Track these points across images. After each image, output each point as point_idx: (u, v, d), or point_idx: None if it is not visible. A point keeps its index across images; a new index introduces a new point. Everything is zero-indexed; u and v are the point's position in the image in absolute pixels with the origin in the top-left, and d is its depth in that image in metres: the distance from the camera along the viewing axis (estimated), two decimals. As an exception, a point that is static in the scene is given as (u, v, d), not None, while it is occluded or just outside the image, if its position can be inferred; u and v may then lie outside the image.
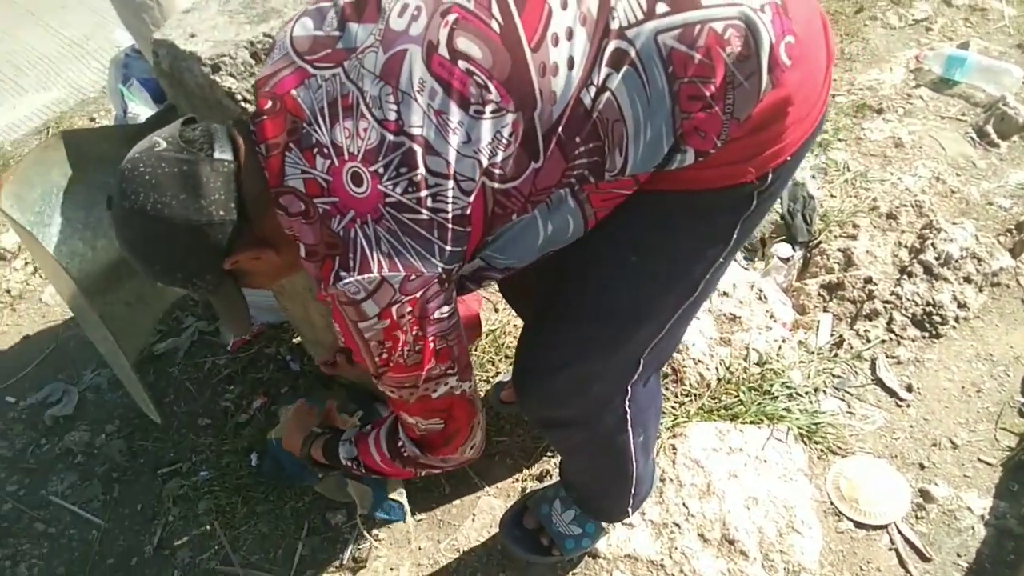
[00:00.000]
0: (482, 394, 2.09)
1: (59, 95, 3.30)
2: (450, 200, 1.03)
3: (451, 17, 1.00)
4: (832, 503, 1.81)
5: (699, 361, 2.02)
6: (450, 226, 1.04)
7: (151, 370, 2.30)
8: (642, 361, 1.33)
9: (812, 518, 1.78)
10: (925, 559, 1.72)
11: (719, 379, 2.02)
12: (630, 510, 1.67)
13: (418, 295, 1.07)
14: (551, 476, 1.92)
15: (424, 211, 1.02)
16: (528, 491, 1.91)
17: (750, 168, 1.10)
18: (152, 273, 1.13)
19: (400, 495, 1.84)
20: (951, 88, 2.76)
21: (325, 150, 1.03)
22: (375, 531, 1.90)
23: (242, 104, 1.37)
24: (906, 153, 2.57)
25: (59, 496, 2.08)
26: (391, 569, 1.84)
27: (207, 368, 2.29)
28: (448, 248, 1.06)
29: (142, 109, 1.78)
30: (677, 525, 1.78)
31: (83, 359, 2.39)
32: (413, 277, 1.05)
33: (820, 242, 2.33)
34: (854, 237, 2.29)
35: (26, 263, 2.66)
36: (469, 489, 1.94)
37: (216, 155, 1.07)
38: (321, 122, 1.04)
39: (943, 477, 1.83)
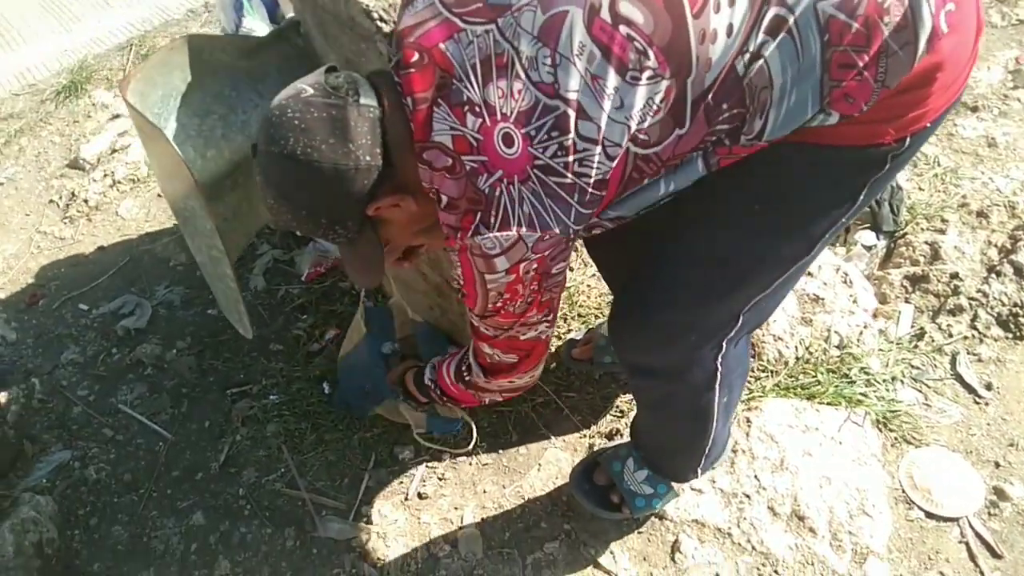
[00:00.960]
0: (553, 349, 2.09)
1: (143, 14, 3.31)
2: (595, 165, 1.04)
3: None
4: (904, 491, 1.80)
5: (779, 338, 2.00)
6: (590, 190, 1.06)
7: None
8: (742, 317, 1.32)
9: (883, 503, 1.77)
10: (996, 556, 1.70)
11: (797, 358, 2.00)
12: (699, 471, 1.66)
13: (546, 254, 1.10)
14: (620, 435, 1.91)
15: (569, 175, 1.04)
16: (595, 448, 1.91)
17: (890, 129, 1.08)
18: (297, 217, 1.13)
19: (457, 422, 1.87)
20: (1050, 92, 2.69)
21: (477, 108, 1.03)
22: (442, 470, 1.91)
23: (377, 23, 1.36)
24: (999, 154, 2.52)
25: (128, 405, 2.11)
26: (455, 508, 1.85)
27: (280, 296, 2.31)
28: (584, 211, 1.08)
29: (258, 24, 1.77)
30: (747, 496, 1.78)
31: (157, 274, 2.41)
32: (547, 237, 1.07)
33: (905, 233, 2.30)
34: (942, 232, 2.25)
35: (105, 175, 2.68)
36: (536, 439, 1.95)
37: (362, 101, 1.07)
38: (473, 79, 1.03)
39: (1019, 477, 1.81)
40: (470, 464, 1.92)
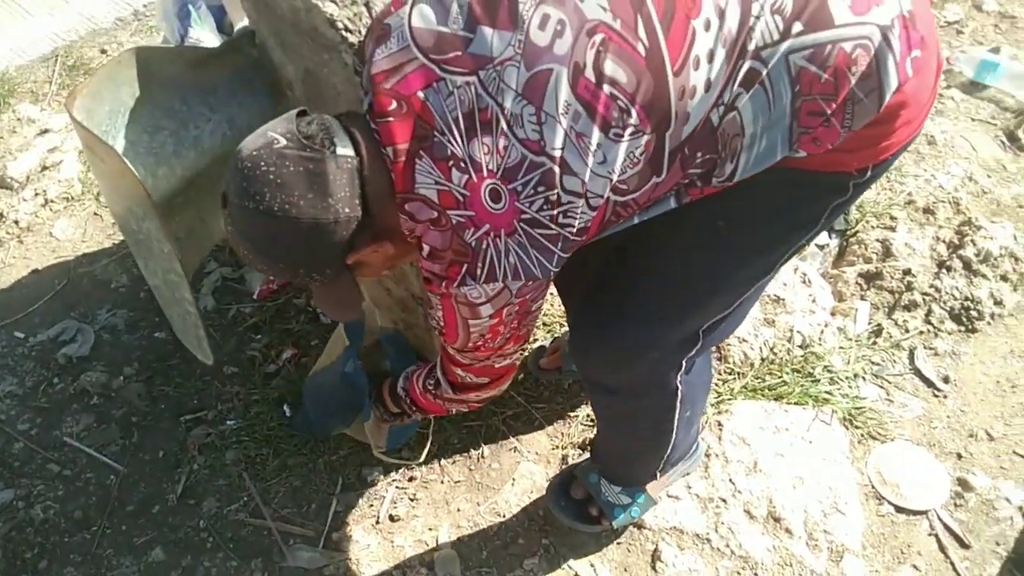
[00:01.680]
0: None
1: (69, 23, 3.15)
2: (578, 215, 1.06)
3: (598, 38, 0.99)
4: (874, 487, 1.83)
5: (743, 340, 2.01)
6: (572, 237, 1.08)
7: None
8: (702, 337, 1.35)
9: (855, 500, 1.79)
10: (964, 546, 1.74)
11: (763, 359, 2.01)
12: (658, 473, 1.67)
13: (527, 296, 1.12)
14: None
15: (554, 226, 1.05)
16: (569, 459, 1.89)
17: (854, 159, 1.12)
18: (273, 269, 1.10)
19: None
20: (981, 92, 2.79)
21: (462, 164, 1.02)
22: (413, 490, 1.86)
23: (342, 32, 1.30)
24: (939, 151, 2.60)
25: (74, 438, 2.00)
26: (429, 529, 1.80)
27: (231, 315, 2.22)
28: (564, 255, 1.10)
29: (206, 35, 1.69)
30: (723, 500, 1.78)
31: (97, 298, 2.29)
32: (530, 283, 1.09)
33: (856, 231, 2.34)
34: (892, 229, 2.31)
35: (36, 194, 2.53)
36: (508, 453, 1.91)
37: (339, 151, 1.04)
38: (456, 133, 1.02)
39: (981, 467, 1.86)
40: (442, 482, 1.87)
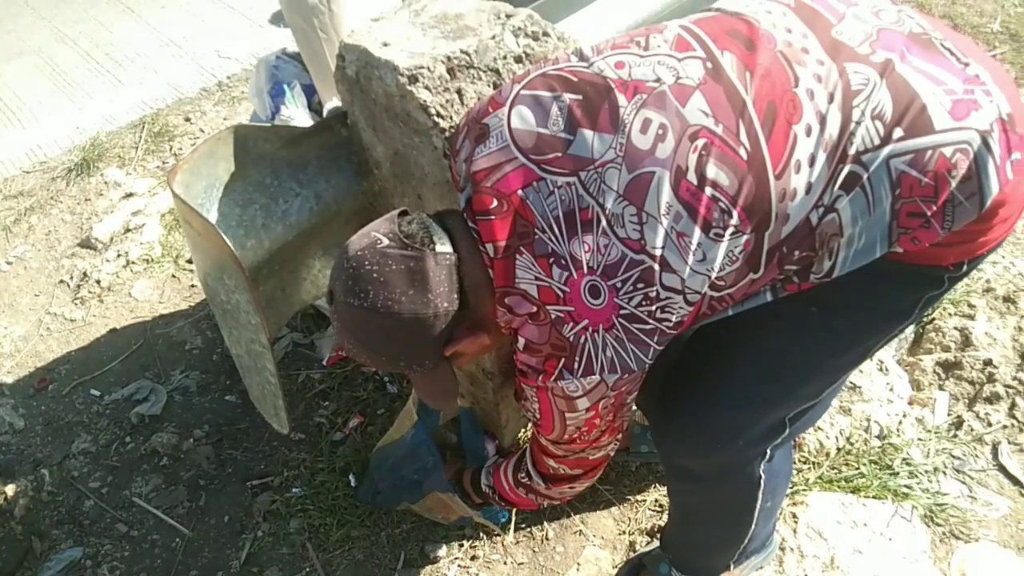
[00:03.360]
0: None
1: (156, 92, 3.31)
2: (676, 310, 1.07)
3: (700, 142, 1.01)
4: (958, 591, 1.74)
5: (819, 428, 1.96)
6: (669, 331, 1.09)
7: (238, 377, 2.25)
8: (789, 424, 1.33)
9: (938, 604, 1.71)
10: (1060, 661, 1.63)
11: (839, 449, 1.95)
12: (732, 565, 1.62)
13: (623, 389, 1.13)
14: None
15: (652, 321, 1.07)
16: (636, 545, 1.84)
17: (951, 254, 1.12)
18: (376, 360, 1.16)
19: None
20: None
21: (563, 261, 1.05)
22: (475, 569, 1.83)
23: (434, 118, 1.34)
24: (1017, 238, 2.53)
25: (143, 498, 2.02)
26: (491, 611, 1.77)
27: (300, 381, 2.24)
28: (659, 348, 1.11)
29: (297, 113, 1.76)
30: (798, 597, 1.71)
31: (171, 359, 2.34)
32: (626, 376, 1.10)
33: (933, 319, 2.28)
34: (971, 317, 2.24)
35: (118, 255, 2.62)
36: (573, 536, 1.87)
37: (438, 249, 1.08)
38: (556, 231, 1.05)
39: (1074, 575, 1.75)
40: (505, 563, 1.84)
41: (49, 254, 2.72)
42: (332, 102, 1.74)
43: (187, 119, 3.25)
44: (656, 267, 1.02)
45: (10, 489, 1.99)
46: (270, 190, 1.60)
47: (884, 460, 1.93)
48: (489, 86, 1.39)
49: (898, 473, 1.91)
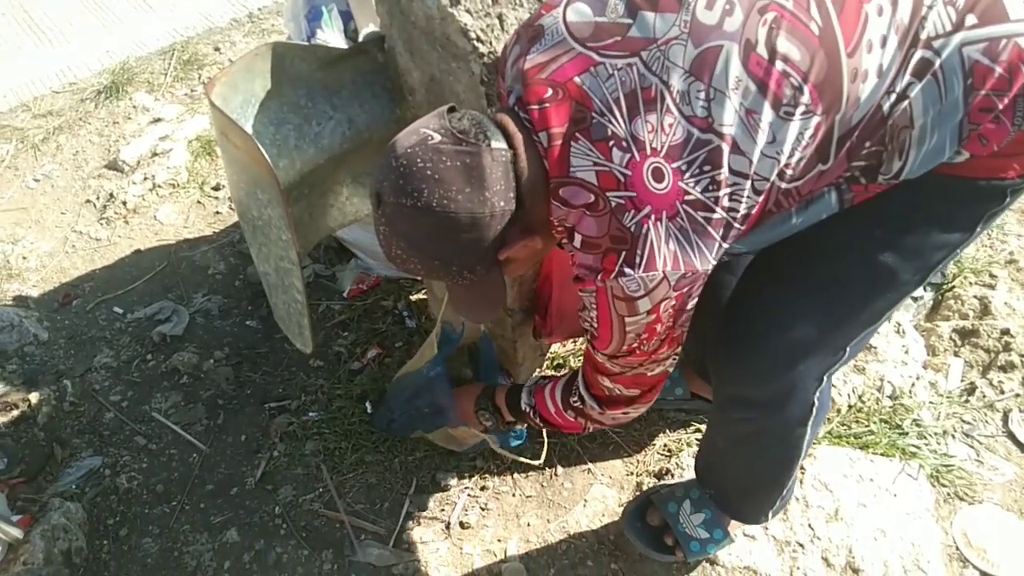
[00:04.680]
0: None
1: (187, 20, 3.30)
2: (744, 199, 1.03)
3: (770, 16, 0.99)
4: (958, 548, 1.76)
5: (832, 385, 1.97)
6: (736, 225, 1.04)
7: (262, 303, 2.28)
8: (848, 349, 1.30)
9: (937, 560, 1.73)
10: (1054, 621, 1.66)
11: (850, 406, 1.97)
12: (771, 513, 1.61)
13: (685, 291, 1.07)
14: (670, 475, 1.88)
15: (719, 210, 1.02)
16: (643, 486, 1.87)
17: (1015, 164, 1.09)
18: (427, 266, 1.11)
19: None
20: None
21: (624, 143, 1.00)
22: (484, 499, 1.86)
23: (474, 42, 1.34)
24: (1044, 212, 2.52)
25: (162, 414, 2.06)
26: (498, 540, 1.80)
27: (321, 311, 2.27)
28: (724, 245, 1.06)
29: (334, 37, 1.75)
30: (801, 545, 1.74)
31: (194, 282, 2.37)
32: (689, 274, 1.04)
33: (953, 286, 2.28)
34: (991, 287, 2.24)
35: (145, 178, 2.64)
36: (582, 474, 1.91)
37: (493, 144, 1.04)
38: (617, 113, 1.01)
39: (1075, 542, 1.78)
40: (514, 495, 1.88)
41: (76, 174, 2.75)
42: (368, 28, 1.74)
43: (216, 49, 3.24)
44: (725, 147, 0.99)
45: (34, 397, 2.04)
46: (304, 111, 1.60)
47: (895, 420, 1.95)
48: (530, 12, 1.38)
49: (907, 433, 1.93)
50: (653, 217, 1.00)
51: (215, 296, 2.33)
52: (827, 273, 1.23)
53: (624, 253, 1.02)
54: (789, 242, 1.21)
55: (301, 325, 1.59)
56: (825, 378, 1.33)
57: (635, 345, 1.15)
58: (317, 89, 1.62)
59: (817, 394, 1.34)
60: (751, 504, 1.62)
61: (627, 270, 1.03)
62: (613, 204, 1.02)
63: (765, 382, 1.33)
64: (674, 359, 1.25)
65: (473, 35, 1.34)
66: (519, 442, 1.85)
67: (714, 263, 1.06)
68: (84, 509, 1.86)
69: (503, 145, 1.05)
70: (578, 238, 1.07)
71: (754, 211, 1.05)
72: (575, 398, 1.39)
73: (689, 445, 1.93)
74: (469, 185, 1.02)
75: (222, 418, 2.05)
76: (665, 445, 1.95)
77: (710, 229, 1.03)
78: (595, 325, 1.14)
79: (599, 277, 1.06)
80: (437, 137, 1.04)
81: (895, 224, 1.17)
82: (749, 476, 1.57)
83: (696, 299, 1.13)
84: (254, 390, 2.10)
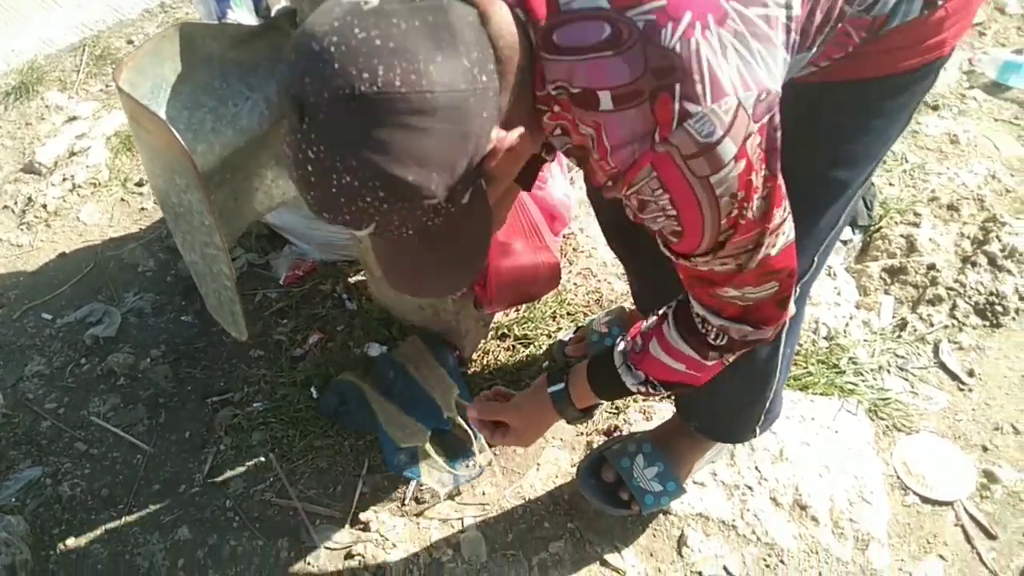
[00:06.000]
0: (544, 348, 2.07)
1: (96, 14, 3.17)
2: None
3: None
4: (899, 477, 1.83)
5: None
6: (792, 30, 0.85)
7: (196, 297, 2.22)
8: (815, 260, 1.30)
9: (880, 490, 1.79)
10: (991, 536, 1.74)
11: (788, 349, 2.02)
12: (758, 428, 1.61)
13: (766, 120, 0.84)
14: (619, 431, 1.90)
15: (771, 3, 0.82)
16: (593, 445, 1.89)
17: (952, 41, 1.06)
18: (390, 203, 0.79)
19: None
20: (1004, 92, 2.80)
21: None
22: (439, 475, 1.86)
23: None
24: (961, 150, 2.60)
25: (101, 418, 2.01)
26: (454, 512, 1.81)
27: (258, 300, 2.23)
28: (788, 59, 0.86)
29: (244, 16, 1.71)
30: (749, 488, 1.78)
31: (124, 281, 2.31)
32: (763, 96, 0.82)
33: (880, 227, 2.35)
34: (916, 225, 2.31)
35: (64, 179, 2.55)
36: (533, 439, 1.92)
37: (454, 1, 0.78)
38: None
39: (1006, 460, 1.85)
40: (467, 466, 1.88)
41: (-10, 180, 2.64)
42: (280, 3, 1.70)
43: (129, 42, 3.13)
44: None
45: (-37, 412, 1.97)
46: (219, 93, 1.57)
47: (831, 359, 2.01)
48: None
49: (844, 371, 1.98)
50: (699, 25, 0.78)
51: (147, 294, 2.26)
52: (793, 181, 1.20)
53: (678, 87, 0.78)
54: None
55: (233, 312, 1.56)
56: (799, 287, 1.26)
57: (735, 214, 0.88)
58: (231, 69, 1.58)
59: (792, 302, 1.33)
60: (738, 424, 1.61)
61: (690, 107, 0.79)
62: (640, 25, 0.78)
63: None
64: (790, 222, 0.98)
65: (384, 2, 1.32)
66: (447, 428, 1.86)
67: (781, 82, 0.86)
68: (26, 521, 1.80)
69: (467, 6, 0.79)
70: (605, 96, 0.81)
71: (803, 15, 0.87)
72: (713, 335, 1.07)
73: (635, 400, 1.96)
74: (440, 51, 0.75)
75: (164, 417, 2.01)
76: (612, 403, 1.97)
77: (769, 32, 0.82)
78: (674, 214, 0.88)
79: (655, 139, 0.81)
80: (376, 0, 0.75)
81: (837, 139, 1.14)
82: (731, 399, 1.54)
83: (779, 132, 0.88)
84: (195, 386, 2.06)
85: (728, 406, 1.58)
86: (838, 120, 1.15)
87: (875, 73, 1.08)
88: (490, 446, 1.84)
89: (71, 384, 2.08)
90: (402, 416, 1.83)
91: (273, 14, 1.66)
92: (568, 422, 1.40)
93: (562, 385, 1.33)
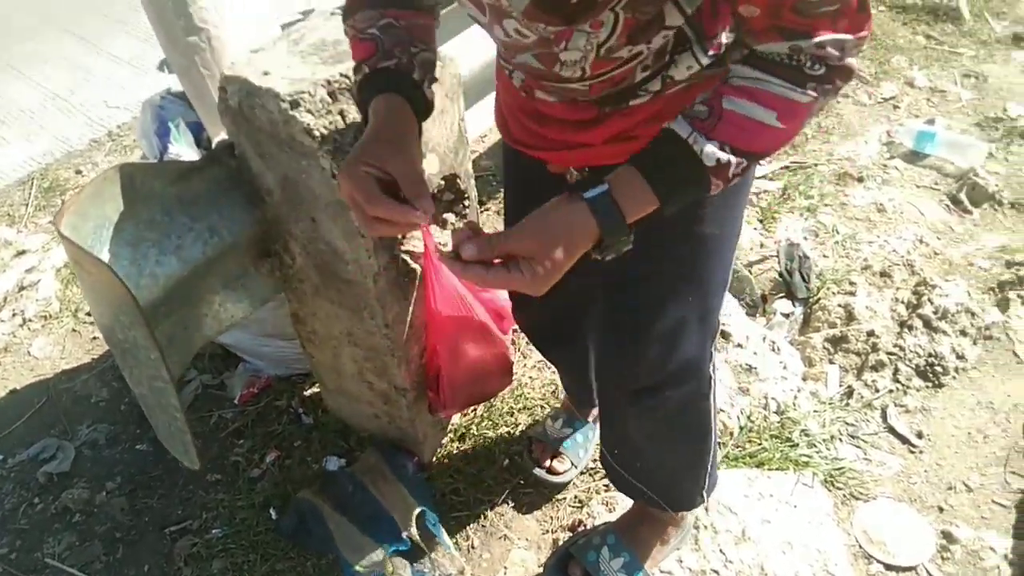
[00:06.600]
0: (502, 447, 2.08)
1: (44, 147, 3.23)
2: None
3: None
4: (861, 546, 1.85)
5: (721, 410, 2.06)
6: None
7: (151, 425, 2.20)
8: (718, 318, 1.40)
9: (844, 562, 1.81)
10: (956, 599, 1.76)
11: (741, 427, 2.06)
12: (705, 494, 1.66)
13: None
14: (584, 525, 1.90)
15: None
16: (559, 542, 1.88)
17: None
18: None
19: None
20: (922, 160, 2.96)
21: None
22: (405, 586, 1.84)
23: (319, 141, 1.38)
24: (889, 218, 2.73)
25: (56, 558, 1.96)
26: (424, 625, 1.78)
27: (213, 422, 2.22)
28: None
29: (185, 150, 1.77)
30: (716, 572, 1.78)
31: (77, 414, 2.29)
32: None
33: (819, 299, 2.43)
34: (852, 293, 2.40)
35: (14, 314, 2.55)
36: (499, 542, 1.91)
37: None
38: None
39: (962, 519, 1.89)
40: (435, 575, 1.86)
41: (-62, 321, 2.62)
42: (221, 136, 1.76)
43: (78, 172, 3.19)
44: None
45: (-90, 565, 1.90)
46: (162, 227, 1.60)
47: (784, 433, 2.05)
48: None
49: (798, 444, 2.02)
50: None
51: (101, 425, 2.24)
52: (668, 265, 1.29)
53: None
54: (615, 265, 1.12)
55: (184, 442, 1.56)
56: (712, 350, 1.42)
57: None
58: (173, 203, 1.62)
59: (711, 367, 1.44)
60: (684, 489, 1.65)
61: None
62: None
63: (666, 361, 1.38)
64: None
65: (317, 134, 1.39)
66: (405, 548, 1.83)
67: None
68: (-22, 677, 1.74)
69: None
70: None
71: None
72: (808, 63, 0.94)
73: (598, 492, 1.97)
74: None
75: (121, 551, 1.96)
76: (575, 496, 1.97)
77: None
78: None
79: None
80: None
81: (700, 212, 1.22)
82: (673, 460, 1.60)
83: None
84: (152, 516, 2.03)
85: (674, 471, 1.63)
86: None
87: None
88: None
89: (24, 525, 2.03)
90: (359, 536, 1.81)
91: (213, 146, 1.72)
92: (602, 255, 1.02)
93: (604, 187, 0.99)
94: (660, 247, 1.22)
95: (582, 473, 2.01)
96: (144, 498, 2.07)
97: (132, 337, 1.45)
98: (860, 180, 2.89)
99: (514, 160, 1.44)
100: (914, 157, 2.97)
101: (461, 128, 1.66)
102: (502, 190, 1.68)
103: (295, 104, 1.38)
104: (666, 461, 1.62)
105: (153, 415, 1.65)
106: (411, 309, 1.71)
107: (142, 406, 1.71)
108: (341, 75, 1.43)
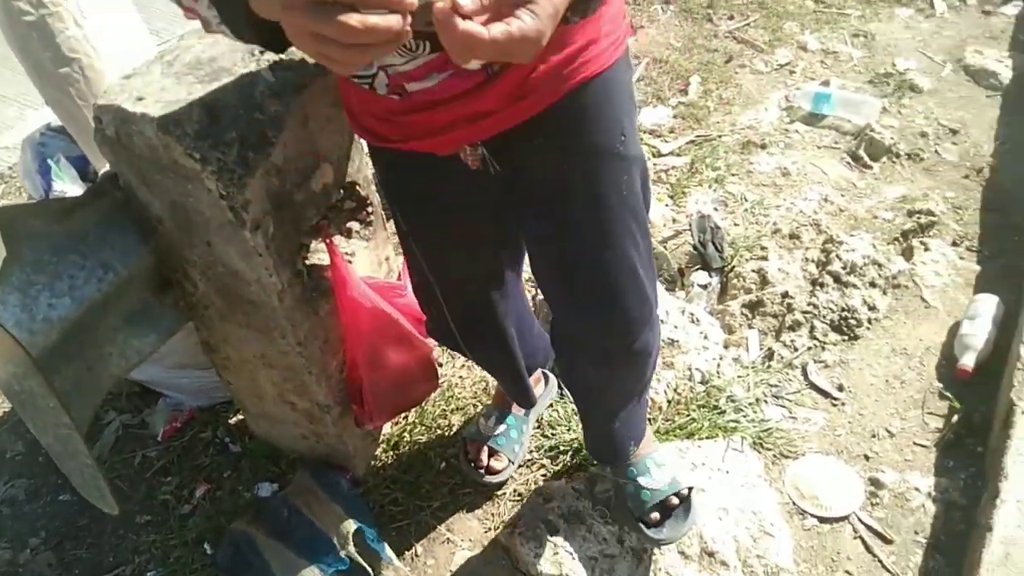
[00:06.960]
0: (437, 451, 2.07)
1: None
2: None
3: None
4: (794, 503, 1.89)
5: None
6: None
7: (73, 473, 2.13)
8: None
9: (779, 520, 1.85)
10: (888, 541, 1.81)
11: (669, 401, 2.09)
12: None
13: None
14: (523, 519, 1.90)
15: None
16: (501, 540, 1.88)
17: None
18: None
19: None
20: (821, 121, 3.04)
21: None
22: (351, 603, 1.81)
23: (201, 162, 1.34)
24: (793, 181, 2.80)
25: (-18, 625, 1.87)
26: (373, 640, 1.76)
27: (137, 462, 2.15)
28: None
29: (69, 187, 1.70)
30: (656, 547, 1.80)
31: (-8, 472, 2.19)
32: None
33: (734, 267, 2.48)
34: (764, 258, 2.45)
35: (-88, 377, 2.42)
36: (442, 546, 1.90)
37: None
38: None
39: (887, 464, 1.95)
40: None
41: None
42: (106, 167, 1.70)
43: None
44: None
45: None
46: (51, 268, 1.54)
47: (711, 402, 2.08)
48: (250, 122, 1.41)
49: (725, 411, 2.06)
50: None
51: (19, 480, 2.15)
52: (603, 224, 1.30)
53: None
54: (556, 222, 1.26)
55: (99, 487, 1.50)
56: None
57: None
58: (60, 242, 1.56)
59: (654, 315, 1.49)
60: (643, 423, 1.75)
61: None
62: None
63: (650, 319, 1.43)
64: None
65: (198, 155, 1.35)
66: (344, 567, 1.79)
67: None
68: None
69: None
70: None
71: None
72: None
73: (536, 483, 1.97)
74: None
75: (52, 608, 1.89)
76: (515, 491, 1.97)
77: None
78: None
79: None
80: None
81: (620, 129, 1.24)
82: (639, 398, 1.68)
83: None
84: (83, 568, 1.95)
85: (639, 406, 1.71)
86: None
87: None
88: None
89: (-56, 596, 1.94)
90: (297, 560, 1.77)
91: (97, 180, 1.66)
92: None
93: None
94: (596, 174, 1.25)
95: (520, 467, 2.01)
96: (72, 550, 1.99)
97: (28, 387, 1.39)
98: (763, 147, 2.96)
99: (394, 168, 1.38)
100: (813, 119, 3.05)
101: (352, 134, 1.63)
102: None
103: (172, 127, 1.34)
104: (634, 394, 1.66)
105: (63, 464, 1.59)
106: (324, 324, 1.68)
107: (52, 457, 1.64)
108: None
